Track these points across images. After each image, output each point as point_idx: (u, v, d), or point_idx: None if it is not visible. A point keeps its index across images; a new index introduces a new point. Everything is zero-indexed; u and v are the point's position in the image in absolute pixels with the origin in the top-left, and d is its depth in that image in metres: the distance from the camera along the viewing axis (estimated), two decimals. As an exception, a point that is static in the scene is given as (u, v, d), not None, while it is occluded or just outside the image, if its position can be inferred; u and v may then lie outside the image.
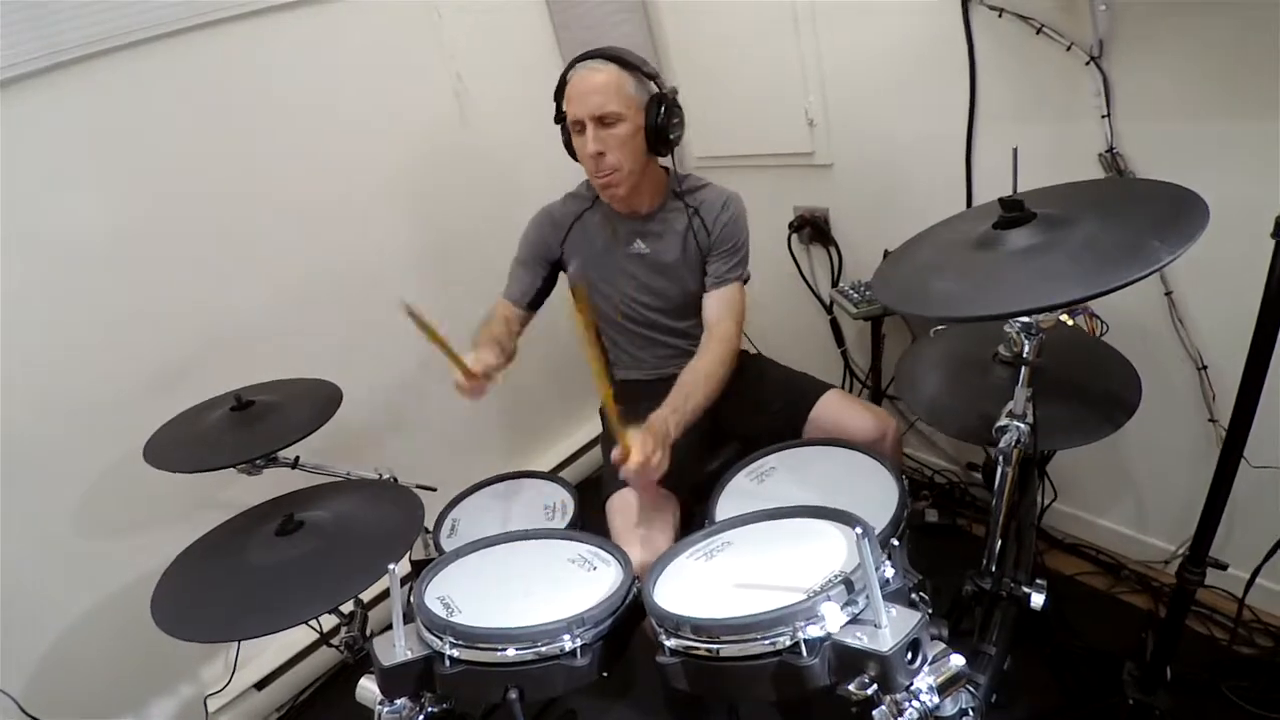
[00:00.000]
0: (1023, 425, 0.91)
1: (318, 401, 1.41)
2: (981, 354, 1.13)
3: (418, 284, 1.97)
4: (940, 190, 1.63)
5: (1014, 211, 0.78)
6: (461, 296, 1.91)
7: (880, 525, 1.11)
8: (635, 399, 1.61)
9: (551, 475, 1.54)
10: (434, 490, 1.60)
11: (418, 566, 1.43)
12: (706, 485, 1.51)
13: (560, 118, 1.38)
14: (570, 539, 1.14)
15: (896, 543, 0.92)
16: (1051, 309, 0.66)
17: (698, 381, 1.35)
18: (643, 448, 1.14)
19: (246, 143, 1.65)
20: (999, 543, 1.05)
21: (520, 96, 1.92)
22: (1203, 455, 1.45)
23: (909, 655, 0.73)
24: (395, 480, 1.50)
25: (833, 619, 0.75)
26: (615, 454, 1.14)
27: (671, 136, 1.33)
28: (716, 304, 1.46)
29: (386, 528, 1.15)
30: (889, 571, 0.83)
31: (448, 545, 1.37)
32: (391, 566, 0.91)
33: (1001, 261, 0.76)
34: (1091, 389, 1.04)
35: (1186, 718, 1.24)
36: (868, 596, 0.77)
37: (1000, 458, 0.93)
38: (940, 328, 1.41)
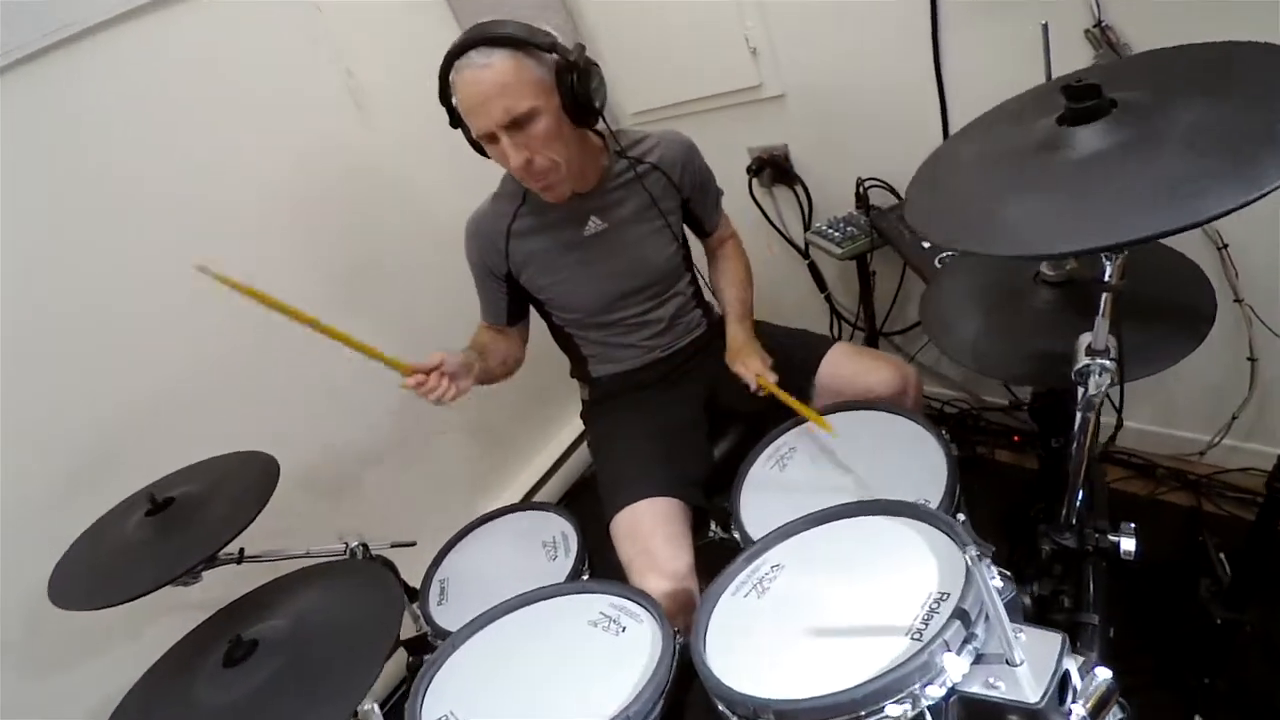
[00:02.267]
0: (1108, 363, 0.74)
1: (251, 479, 1.18)
2: (1016, 277, 0.96)
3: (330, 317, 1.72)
4: (910, 103, 1.45)
5: (1087, 100, 0.60)
6: (373, 327, 1.71)
7: (935, 497, 0.97)
8: (616, 393, 1.43)
9: (541, 504, 1.34)
10: (413, 545, 1.39)
11: (410, 647, 1.23)
12: (714, 479, 1.36)
13: (456, 122, 1.13)
14: (585, 591, 0.95)
15: (963, 517, 0.77)
16: (1197, 226, 0.48)
17: (742, 286, 1.40)
18: (761, 366, 1.20)
19: (103, 183, 1.37)
20: (1080, 494, 0.90)
21: (424, 84, 1.68)
22: (1230, 339, 1.34)
23: (1060, 695, 0.57)
24: (365, 547, 1.29)
25: (955, 669, 0.58)
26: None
27: (596, 104, 1.10)
28: (720, 229, 1.42)
29: (360, 625, 0.95)
30: (997, 579, 0.67)
31: (440, 616, 1.17)
32: (365, 707, 0.70)
33: (1090, 171, 0.58)
34: (1157, 296, 0.89)
35: (1272, 622, 1.14)
36: (987, 621, 0.61)
37: (1083, 403, 0.77)
38: (947, 255, 1.25)
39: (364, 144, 1.71)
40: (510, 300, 1.34)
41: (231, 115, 1.51)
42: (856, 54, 1.46)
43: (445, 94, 1.09)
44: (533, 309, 1.40)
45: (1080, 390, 0.78)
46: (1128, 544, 0.91)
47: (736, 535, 1.09)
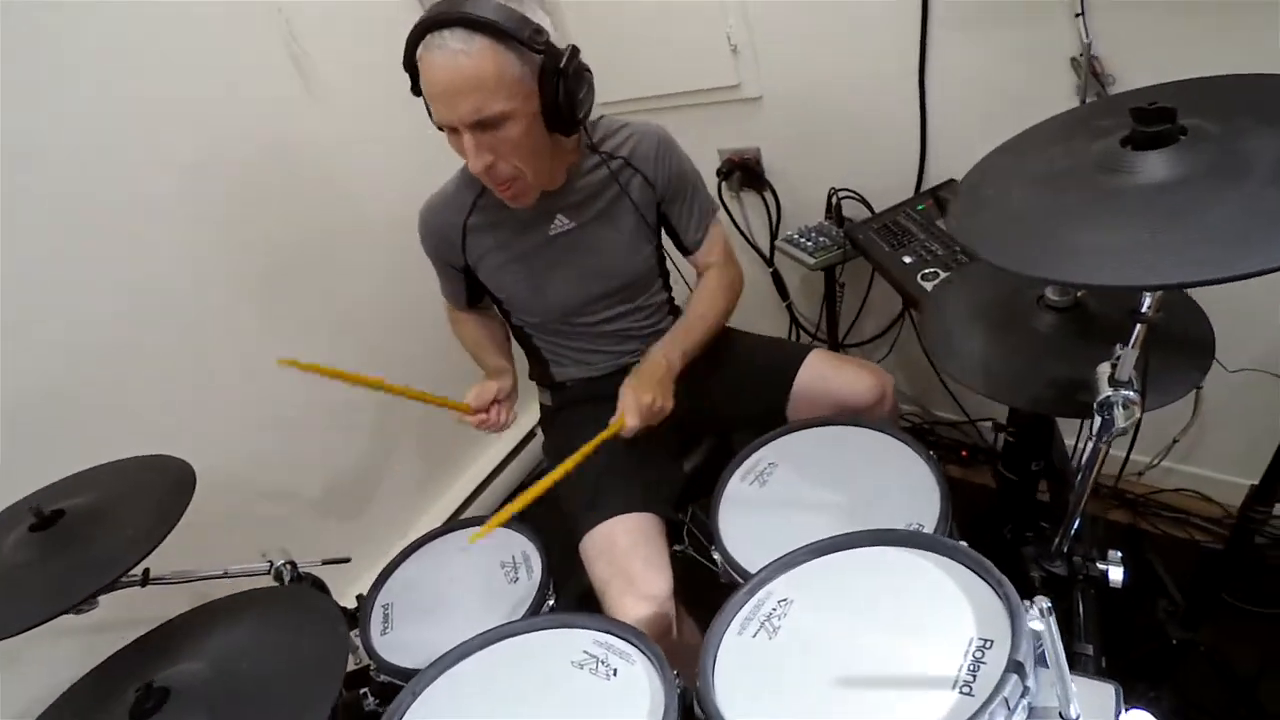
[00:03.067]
0: (1133, 394, 0.72)
1: (161, 489, 1.01)
2: (1017, 299, 0.95)
3: (260, 313, 1.53)
4: (890, 116, 1.43)
5: (1159, 124, 0.57)
6: (305, 326, 1.57)
7: (929, 521, 0.94)
8: (580, 401, 1.33)
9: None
10: (346, 561, 1.26)
11: (347, 681, 1.09)
12: (686, 491, 1.29)
13: (417, 90, 0.98)
14: (565, 625, 0.85)
15: (965, 544, 0.74)
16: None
17: (702, 318, 1.23)
18: (637, 403, 1.06)
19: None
20: (1076, 523, 0.89)
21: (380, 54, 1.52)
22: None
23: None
24: (293, 565, 1.14)
25: (1015, 731, 0.54)
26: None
27: (580, 114, 0.99)
28: (705, 249, 1.26)
29: (296, 669, 0.82)
30: (1036, 621, 0.62)
31: (384, 647, 1.04)
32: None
33: (1165, 200, 0.55)
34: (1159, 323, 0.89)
35: (1221, 641, 1.19)
36: (1037, 671, 0.56)
37: (1103, 435, 0.75)
38: (931, 271, 1.23)
39: (307, 115, 1.54)
40: (470, 286, 1.24)
41: (154, 75, 1.31)
42: (840, 61, 1.43)
43: (411, 61, 0.95)
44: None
45: (1099, 420, 0.76)
46: (1116, 574, 0.90)
47: (717, 556, 1.02)
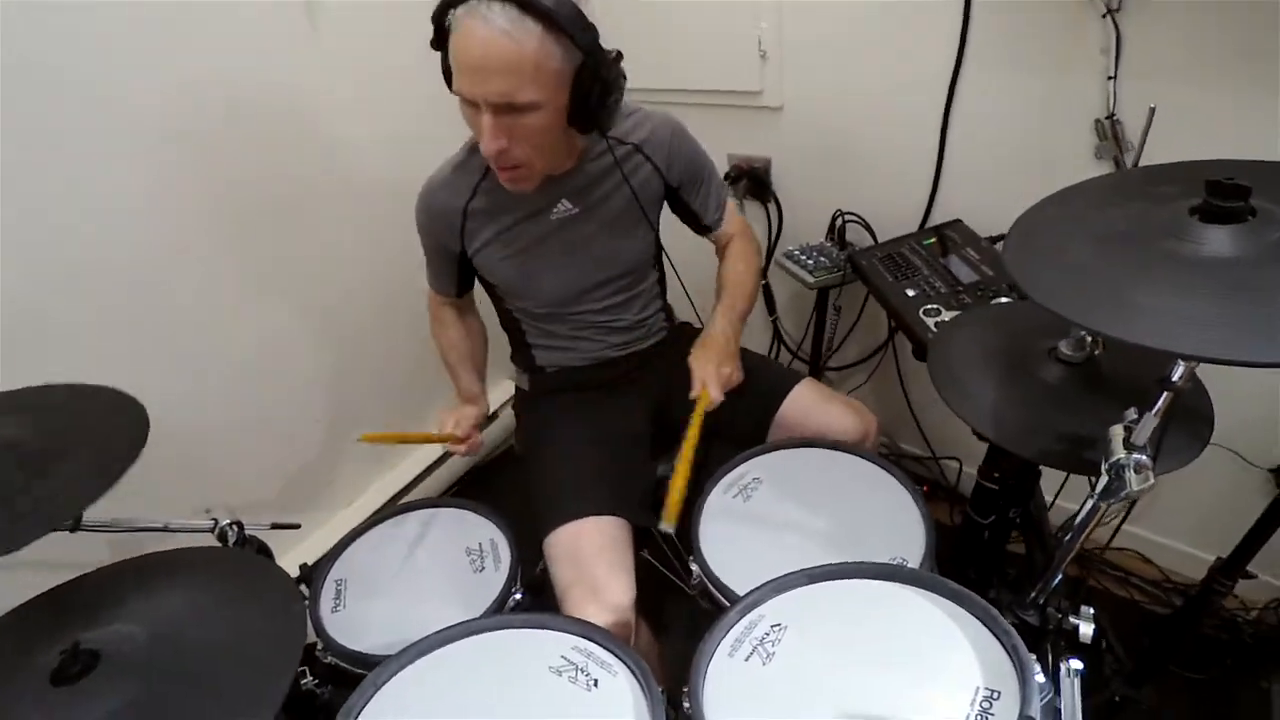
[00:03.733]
0: (1146, 459, 0.73)
1: (107, 426, 0.91)
2: (1029, 347, 0.95)
3: (236, 255, 1.42)
4: (908, 147, 1.43)
5: (1233, 200, 0.57)
6: (282, 275, 1.47)
7: (914, 557, 0.94)
8: (559, 389, 1.29)
9: (468, 502, 1.17)
10: (297, 527, 1.18)
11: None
12: (657, 496, 1.26)
13: (440, 45, 0.91)
14: (542, 626, 0.81)
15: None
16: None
17: (742, 279, 1.25)
18: (716, 374, 1.08)
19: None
20: (1057, 579, 0.90)
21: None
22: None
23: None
24: (239, 526, 1.06)
25: (1026, 788, 0.53)
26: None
27: (606, 118, 0.95)
28: (725, 224, 1.27)
29: (246, 644, 0.75)
30: (1040, 674, 0.62)
31: (334, 625, 0.97)
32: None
33: (1233, 276, 0.55)
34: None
35: (1161, 701, 1.24)
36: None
37: (1107, 496, 0.76)
38: (934, 308, 1.24)
39: (307, 63, 1.43)
40: (461, 274, 1.19)
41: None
42: (868, 85, 1.42)
43: (442, 17, 0.88)
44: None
45: (1105, 480, 0.76)
46: (1087, 629, 0.91)
47: (695, 567, 1.00)
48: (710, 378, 1.07)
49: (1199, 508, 1.43)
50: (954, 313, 1.20)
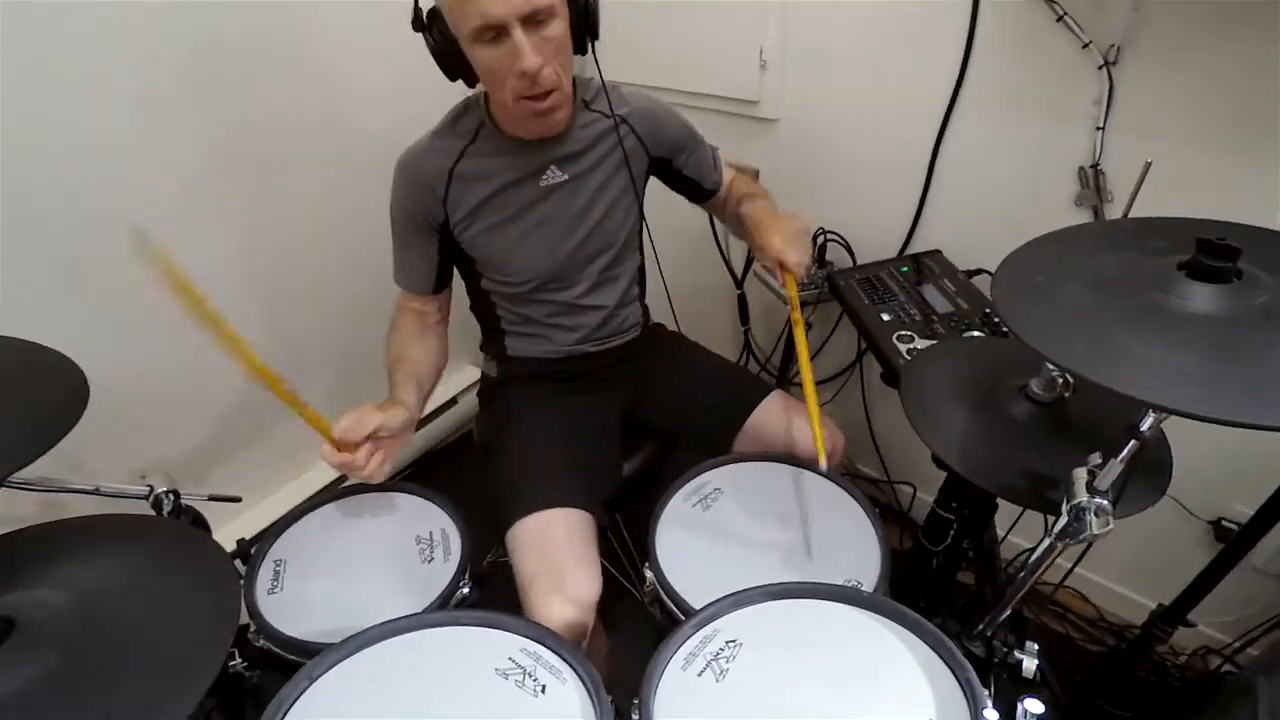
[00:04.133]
0: (1107, 503, 0.74)
1: (45, 392, 0.85)
2: (997, 380, 0.97)
3: (184, 211, 1.34)
4: (896, 173, 1.44)
5: (1222, 260, 0.58)
6: (252, 224, 1.40)
7: (868, 580, 0.94)
8: (528, 379, 1.26)
9: (420, 488, 1.13)
10: (237, 500, 1.13)
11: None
12: (624, 493, 1.25)
13: (426, 23, 0.94)
14: (489, 625, 0.78)
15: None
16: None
17: (762, 202, 1.26)
18: (795, 241, 1.09)
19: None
20: (1006, 614, 0.91)
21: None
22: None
23: None
24: (175, 495, 1.00)
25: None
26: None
27: (596, 29, 0.98)
28: (727, 180, 1.31)
29: (175, 621, 0.71)
30: (990, 708, 0.62)
31: (268, 607, 0.93)
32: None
33: (1224, 336, 0.56)
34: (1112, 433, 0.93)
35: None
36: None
37: (1064, 537, 0.77)
38: (907, 334, 1.25)
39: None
40: (440, 263, 1.13)
41: None
42: (864, 107, 1.43)
43: None
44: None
45: (1063, 521, 0.77)
46: (1030, 664, 0.93)
47: (649, 574, 0.99)
48: (792, 241, 1.09)
49: (1137, 552, 1.48)
50: (927, 341, 1.21)
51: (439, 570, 0.99)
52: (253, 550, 1.02)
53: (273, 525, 1.05)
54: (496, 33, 0.88)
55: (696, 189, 1.26)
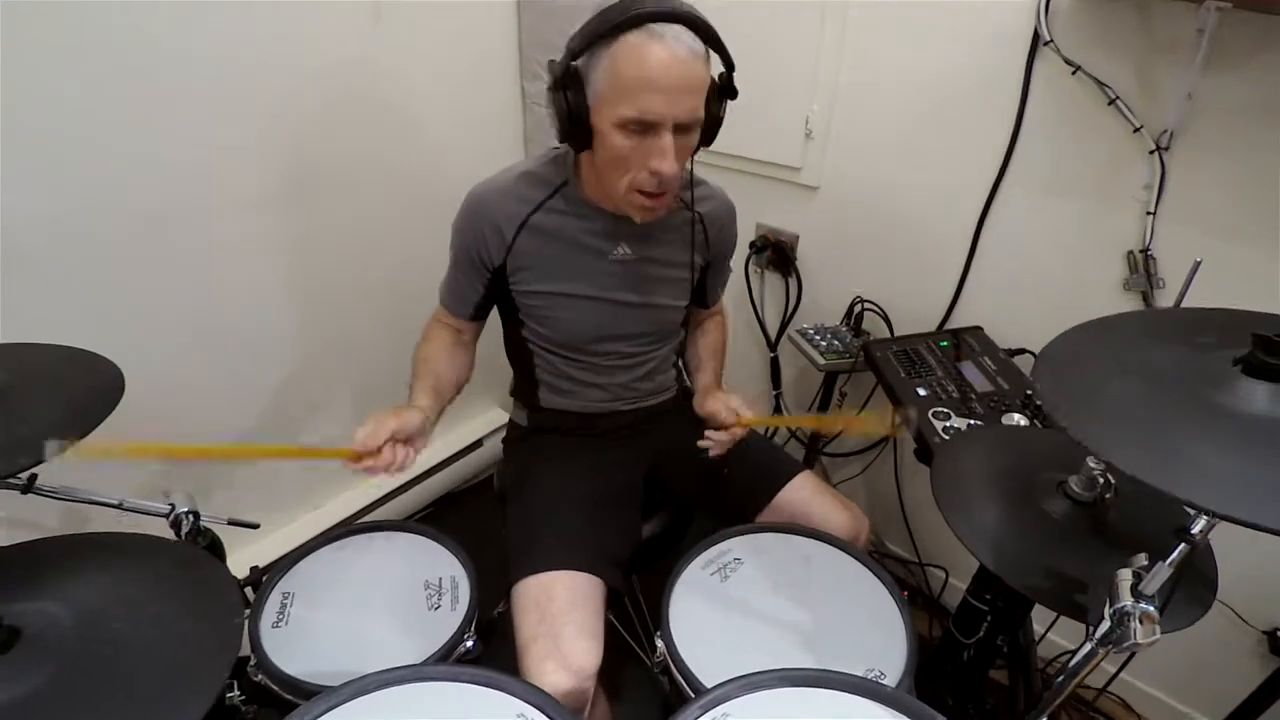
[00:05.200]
0: (1153, 610, 0.69)
1: (82, 387, 0.88)
2: (1034, 472, 0.92)
3: (265, 234, 1.40)
4: (938, 247, 1.43)
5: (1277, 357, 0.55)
6: (303, 256, 1.44)
7: (892, 671, 0.89)
8: (558, 432, 1.25)
9: (434, 532, 1.11)
10: (256, 527, 1.13)
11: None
12: (642, 554, 1.22)
13: (570, 80, 0.90)
14: (491, 685, 0.75)
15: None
16: None
17: (716, 346, 1.32)
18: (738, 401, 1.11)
19: None
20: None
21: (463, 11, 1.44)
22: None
23: None
24: (195, 516, 1.01)
25: None
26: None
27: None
28: (718, 303, 1.34)
29: (176, 643, 0.70)
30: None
31: (271, 642, 0.92)
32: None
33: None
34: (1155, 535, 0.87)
35: None
36: None
37: (1107, 642, 0.71)
38: (943, 411, 1.21)
39: (368, 58, 1.44)
40: (485, 295, 1.14)
41: None
42: (908, 180, 1.43)
43: (597, 42, 0.87)
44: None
45: (1105, 626, 0.72)
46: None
47: (660, 644, 0.95)
48: (731, 404, 1.11)
49: (1185, 658, 1.38)
50: (965, 420, 1.18)
51: (445, 619, 0.97)
52: (263, 581, 1.01)
53: (285, 556, 1.04)
54: (645, 128, 0.89)
55: (699, 297, 1.26)
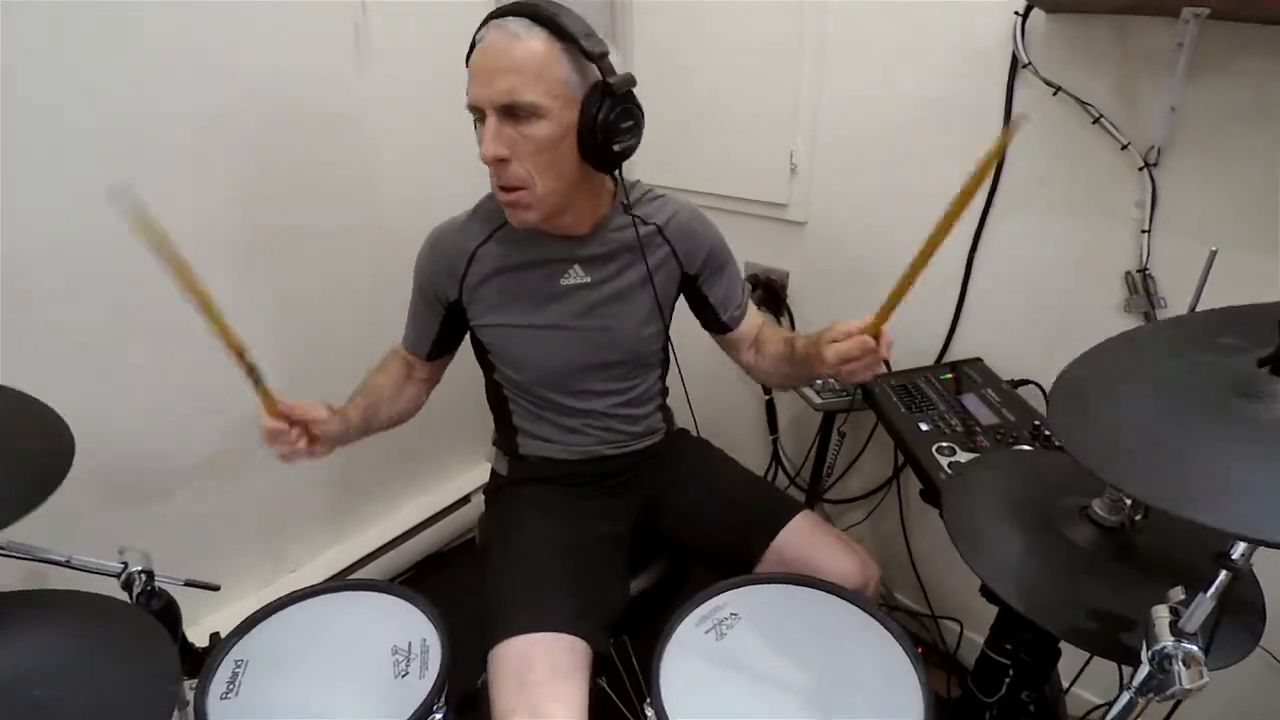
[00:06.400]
0: (1197, 650, 0.61)
1: (28, 447, 0.82)
2: (1053, 498, 0.85)
3: (224, 283, 1.36)
4: (930, 278, 1.36)
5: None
6: (274, 308, 1.39)
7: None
8: (539, 481, 1.18)
9: (408, 591, 1.03)
10: (215, 589, 1.05)
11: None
12: (631, 612, 1.13)
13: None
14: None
15: None
16: None
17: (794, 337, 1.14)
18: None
19: None
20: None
21: (444, 49, 1.43)
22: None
23: None
24: (149, 576, 0.93)
25: None
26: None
27: (617, 147, 0.92)
28: (749, 319, 1.20)
29: (100, 712, 0.62)
30: None
31: (218, 716, 0.82)
32: None
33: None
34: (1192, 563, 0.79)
35: None
36: None
37: (1147, 690, 0.63)
38: (948, 445, 1.14)
39: (345, 94, 1.42)
40: (442, 332, 1.10)
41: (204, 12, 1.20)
42: (896, 211, 1.40)
43: (471, 49, 0.91)
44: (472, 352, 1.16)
45: (1144, 672, 0.64)
46: None
47: (650, 713, 0.85)
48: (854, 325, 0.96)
49: (1226, 713, 1.26)
50: (970, 454, 1.11)
51: (412, 688, 0.87)
52: (214, 648, 0.92)
53: (242, 621, 0.96)
54: (481, 116, 0.89)
55: (713, 317, 1.17)
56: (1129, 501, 0.78)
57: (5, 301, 1.10)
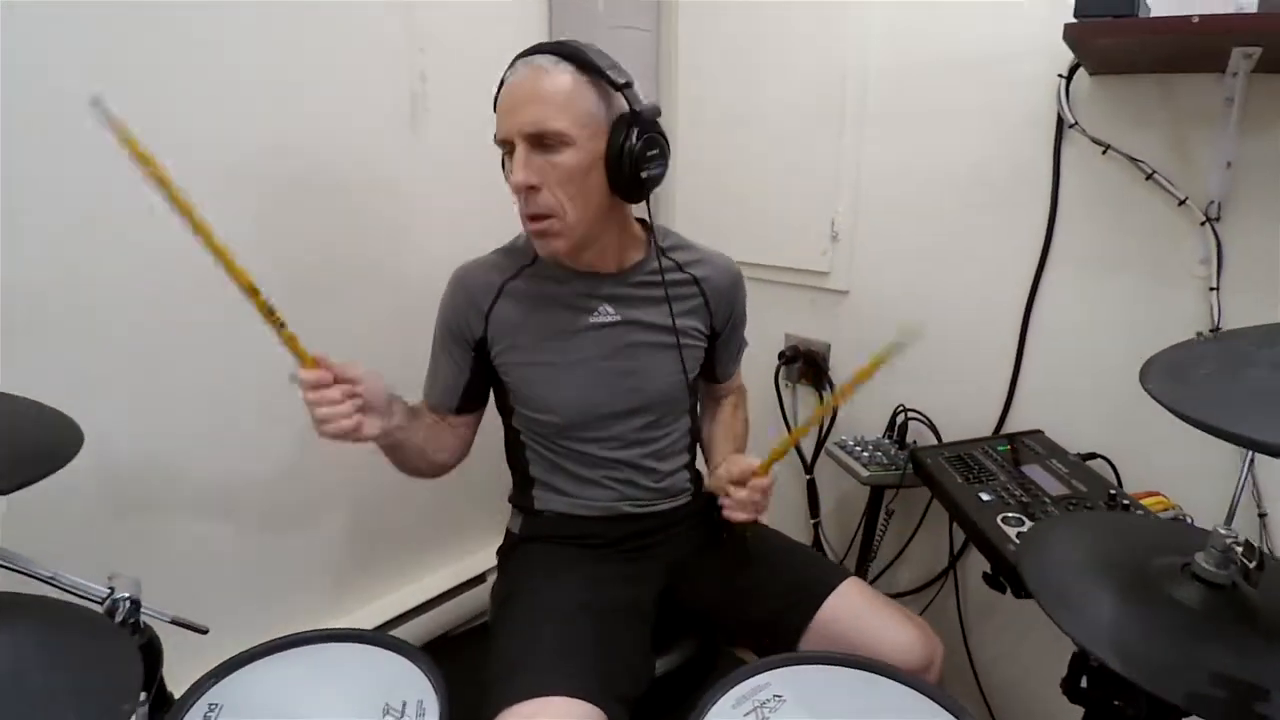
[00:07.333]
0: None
1: (31, 441, 0.78)
2: (1142, 557, 0.73)
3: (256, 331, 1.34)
4: (983, 346, 1.33)
5: None
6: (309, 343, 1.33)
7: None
8: (554, 539, 1.09)
9: (404, 644, 0.92)
10: (204, 632, 0.96)
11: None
12: (656, 694, 0.99)
13: None
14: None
15: None
16: None
17: (744, 432, 1.25)
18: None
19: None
20: None
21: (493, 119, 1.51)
22: None
23: None
24: (135, 605, 0.85)
25: None
26: None
27: (644, 175, 0.91)
28: (733, 379, 1.26)
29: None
30: None
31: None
32: None
33: None
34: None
35: None
36: None
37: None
38: (1013, 515, 1.02)
39: (400, 156, 1.47)
40: (470, 380, 1.06)
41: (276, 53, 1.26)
42: (942, 277, 1.36)
43: (500, 90, 0.93)
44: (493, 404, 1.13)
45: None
46: None
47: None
48: (746, 465, 1.00)
49: None
50: (1040, 523, 0.99)
51: (404, 747, 0.76)
52: (189, 691, 0.83)
53: (224, 662, 0.86)
54: (511, 148, 0.90)
55: (710, 372, 1.18)
56: (1241, 551, 0.67)
57: (27, 318, 1.10)
